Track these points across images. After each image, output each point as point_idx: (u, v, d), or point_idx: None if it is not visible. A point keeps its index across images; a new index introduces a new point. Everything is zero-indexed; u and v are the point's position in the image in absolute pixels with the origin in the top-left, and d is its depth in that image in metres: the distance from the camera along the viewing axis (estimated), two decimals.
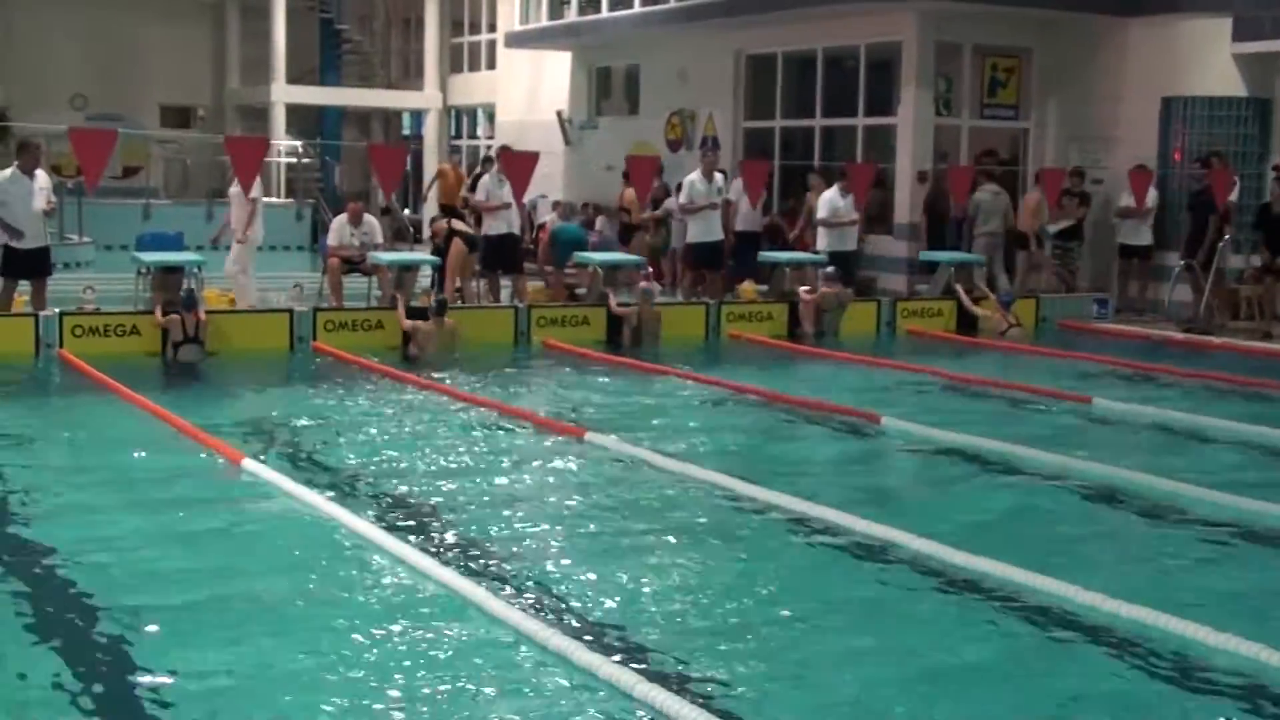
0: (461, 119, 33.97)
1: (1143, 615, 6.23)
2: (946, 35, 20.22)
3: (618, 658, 5.63)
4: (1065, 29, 20.34)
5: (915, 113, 20.15)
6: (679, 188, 18.78)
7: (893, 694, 5.52)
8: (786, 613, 6.45)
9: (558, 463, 9.38)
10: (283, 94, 31.88)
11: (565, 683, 5.46)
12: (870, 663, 5.87)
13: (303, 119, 32.93)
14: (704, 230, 17.78)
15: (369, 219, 16.91)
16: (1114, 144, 19.86)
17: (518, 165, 17.16)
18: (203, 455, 9.24)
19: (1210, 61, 19.36)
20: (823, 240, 18.07)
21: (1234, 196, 17.68)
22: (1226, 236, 17.33)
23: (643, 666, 5.57)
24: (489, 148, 29.41)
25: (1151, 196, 18.50)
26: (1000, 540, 7.60)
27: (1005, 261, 19.56)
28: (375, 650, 5.78)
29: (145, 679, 5.43)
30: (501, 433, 10.36)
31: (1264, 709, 5.37)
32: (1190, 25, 19.53)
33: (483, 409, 11.15)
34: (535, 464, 9.36)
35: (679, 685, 5.40)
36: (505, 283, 17.39)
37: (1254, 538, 7.85)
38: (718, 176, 18.03)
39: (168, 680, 5.40)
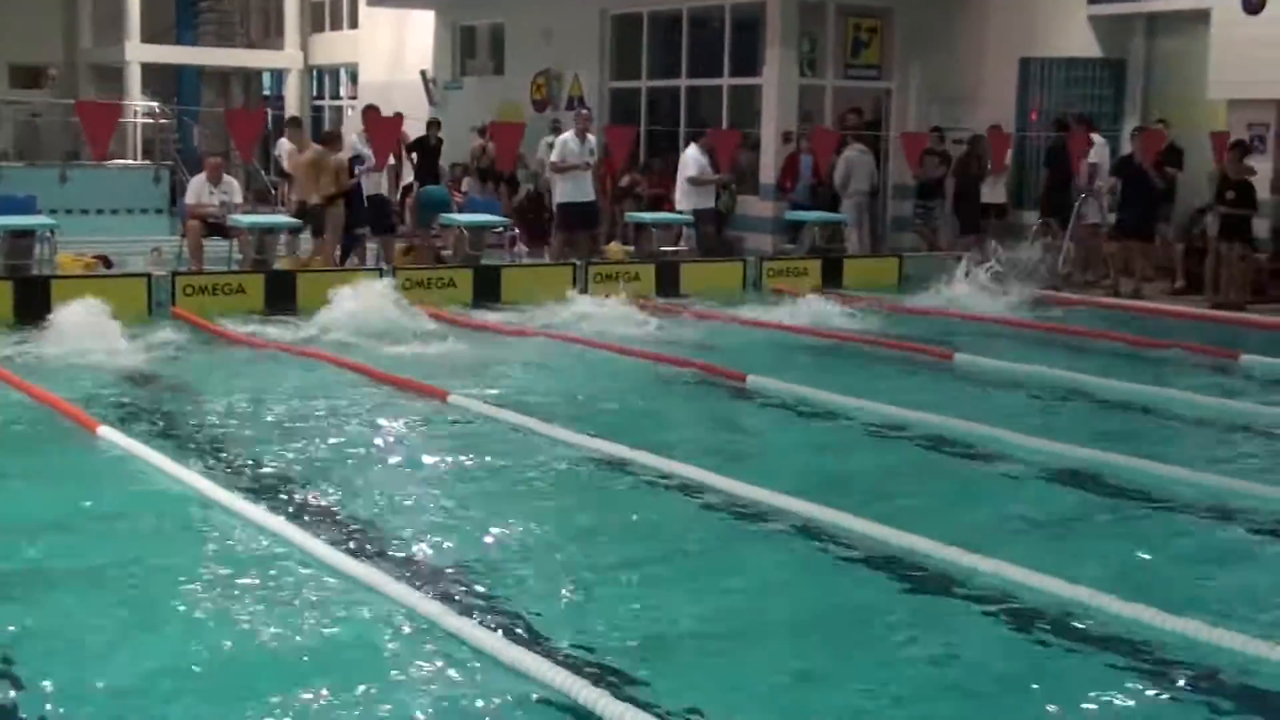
0: (323, 79, 33.50)
1: (949, 552, 6.52)
2: None
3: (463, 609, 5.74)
4: None
5: (780, 73, 20.27)
6: (550, 147, 18.72)
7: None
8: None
9: (419, 423, 9.31)
10: (138, 53, 31.04)
11: (408, 630, 5.56)
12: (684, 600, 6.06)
13: (159, 79, 32.21)
14: (576, 190, 17.74)
15: (229, 178, 16.64)
16: (974, 104, 20.17)
17: (382, 127, 16.97)
18: (59, 422, 9.05)
19: (1066, 23, 19.72)
20: (688, 200, 18.15)
21: (1094, 158, 18.02)
22: (1085, 194, 17.69)
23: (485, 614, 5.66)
24: (351, 108, 29.18)
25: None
26: (836, 488, 7.73)
27: (871, 223, 19.86)
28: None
29: None
30: (364, 394, 10.25)
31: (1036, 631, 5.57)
32: None
33: (347, 370, 11.04)
34: (397, 424, 9.27)
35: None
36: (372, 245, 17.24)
37: (1074, 480, 8.19)
38: (590, 137, 18.00)
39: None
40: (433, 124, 21.38)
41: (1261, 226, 16.58)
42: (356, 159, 16.89)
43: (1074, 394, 10.89)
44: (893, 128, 21.00)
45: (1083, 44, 19.72)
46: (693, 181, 18.11)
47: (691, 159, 18.20)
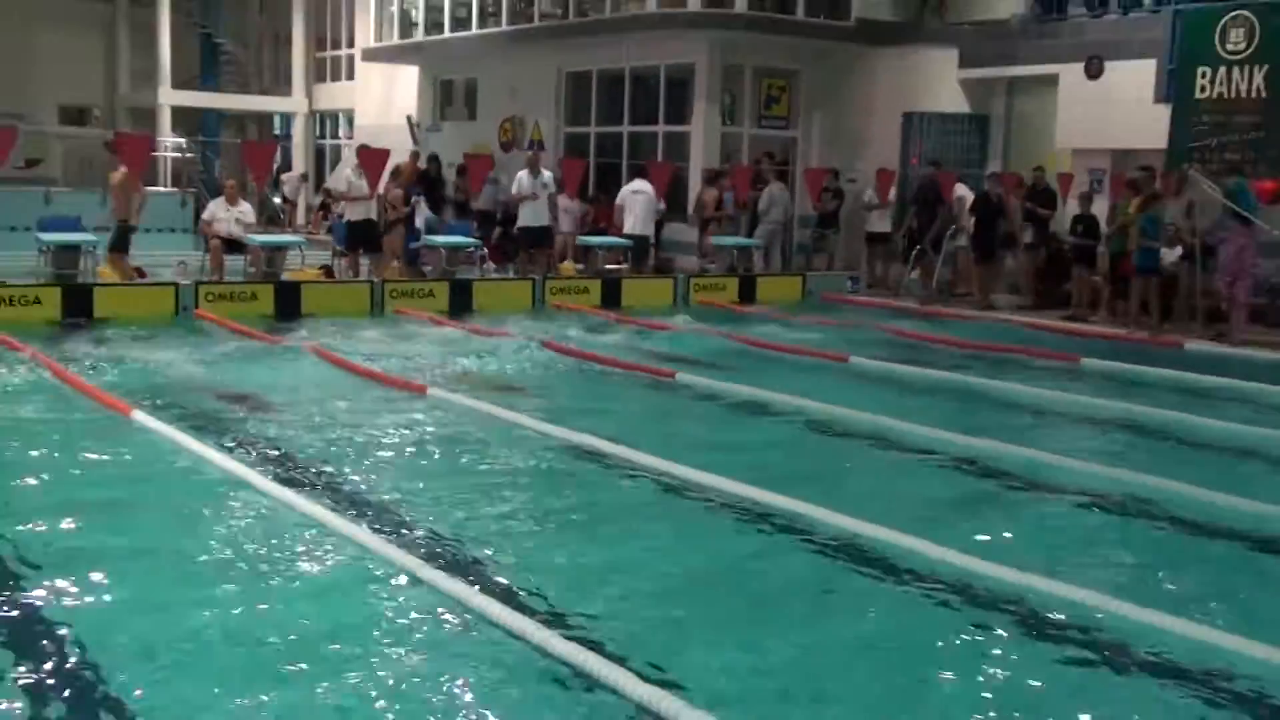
0: (325, 121, 33.26)
1: (848, 522, 6.60)
2: (731, 59, 20.41)
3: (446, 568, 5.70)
4: (826, 56, 20.69)
5: (705, 122, 20.33)
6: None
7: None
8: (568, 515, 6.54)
9: (404, 414, 9.24)
10: (168, 97, 30.98)
11: (414, 594, 5.49)
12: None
13: (187, 120, 31.94)
14: (532, 216, 17.73)
15: (243, 201, 16.57)
16: (865, 150, 20.31)
17: (373, 161, 16.89)
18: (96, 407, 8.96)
19: (941, 84, 19.89)
20: (627, 224, 18.17)
21: (960, 193, 18.15)
22: (954, 226, 17.82)
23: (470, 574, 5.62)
24: (346, 146, 29.04)
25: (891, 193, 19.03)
26: (750, 468, 7.72)
27: (782, 247, 19.94)
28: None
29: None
30: (354, 388, 10.19)
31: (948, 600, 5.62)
32: (925, 54, 20.03)
33: (340, 369, 10.98)
34: (385, 416, 9.16)
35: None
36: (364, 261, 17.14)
37: (958, 462, 8.26)
38: (543, 172, 17.96)
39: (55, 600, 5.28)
40: (433, 160, 21.23)
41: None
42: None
43: (947, 391, 10.98)
44: (798, 168, 21.10)
45: (954, 101, 19.90)
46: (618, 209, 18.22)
47: (624, 190, 18.29)
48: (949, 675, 4.84)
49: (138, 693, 4.44)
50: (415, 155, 20.87)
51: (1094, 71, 17.77)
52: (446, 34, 24.82)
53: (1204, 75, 16.48)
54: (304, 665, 4.70)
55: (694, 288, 17.11)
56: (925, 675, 4.85)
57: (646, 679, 4.49)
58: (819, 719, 4.54)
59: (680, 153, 20.86)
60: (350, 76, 30.72)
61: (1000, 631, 5.29)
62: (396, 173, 18.46)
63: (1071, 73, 17.98)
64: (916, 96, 20.08)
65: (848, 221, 20.10)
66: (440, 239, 17.35)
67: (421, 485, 7.30)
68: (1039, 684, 4.80)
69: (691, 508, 7.07)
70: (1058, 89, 18.23)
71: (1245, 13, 16.19)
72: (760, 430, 9.29)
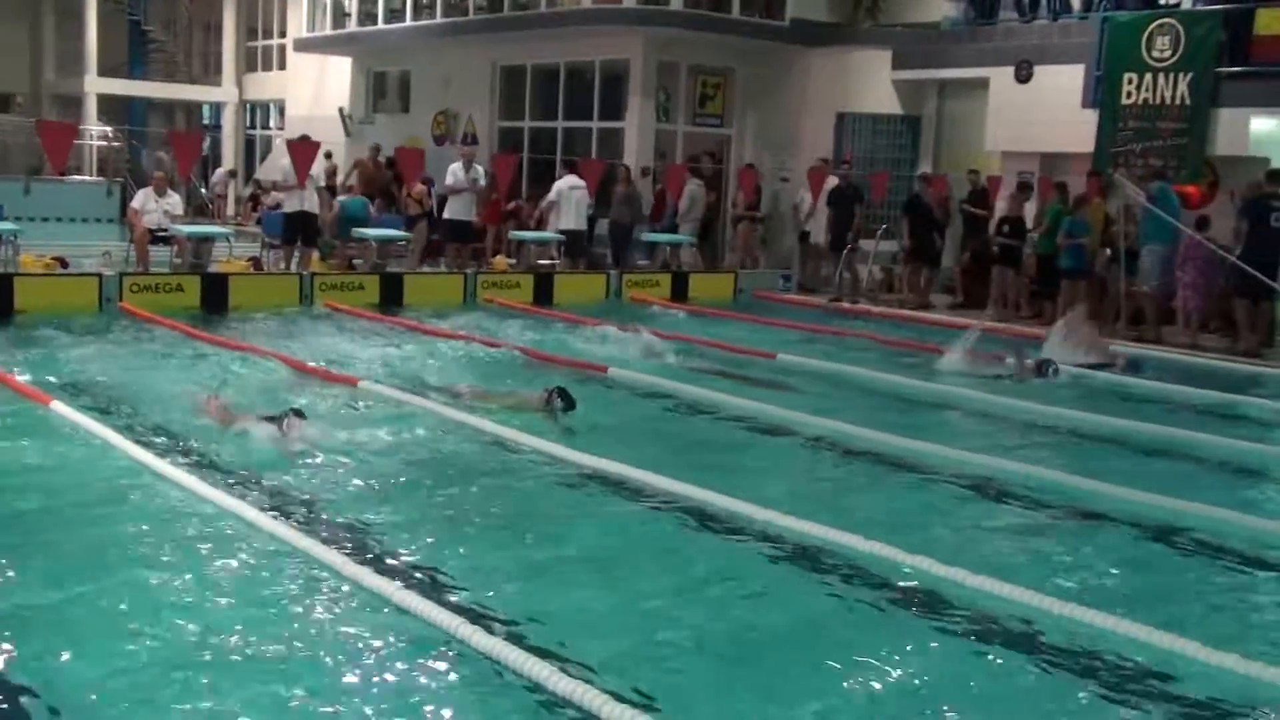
0: (255, 112, 32.92)
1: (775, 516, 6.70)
2: (666, 56, 20.48)
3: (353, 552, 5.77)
4: (761, 55, 20.82)
5: (640, 119, 20.39)
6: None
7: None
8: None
9: (334, 406, 9.19)
10: (94, 85, 30.52)
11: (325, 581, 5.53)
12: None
13: (113, 108, 31.50)
14: (460, 210, 17.69)
15: (171, 191, 16.37)
16: (799, 149, 20.48)
17: (303, 153, 16.75)
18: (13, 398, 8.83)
19: (874, 85, 20.11)
20: (562, 220, 18.14)
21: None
22: (884, 226, 18.00)
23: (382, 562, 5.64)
24: (279, 137, 28.79)
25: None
26: (674, 460, 7.86)
27: (714, 244, 20.05)
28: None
29: None
30: (284, 381, 10.12)
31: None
32: (859, 55, 20.24)
33: (271, 360, 10.89)
34: (315, 407, 9.11)
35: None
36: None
37: (877, 459, 8.45)
38: (475, 166, 17.93)
39: None
40: (374, 149, 21.03)
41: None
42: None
43: (868, 391, 11.13)
44: (732, 167, 21.23)
45: (887, 103, 20.13)
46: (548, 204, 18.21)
47: (556, 186, 18.29)
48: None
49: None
50: (376, 150, 20.72)
51: (1024, 76, 18.06)
52: (380, 25, 24.66)
53: (1130, 81, 16.82)
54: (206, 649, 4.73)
55: (627, 284, 17.16)
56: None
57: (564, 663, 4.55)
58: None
59: (615, 149, 20.91)
60: (281, 66, 30.41)
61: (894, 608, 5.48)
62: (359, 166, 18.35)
63: (1002, 76, 18.25)
64: (850, 97, 20.29)
65: (781, 220, 20.26)
66: (371, 232, 17.26)
67: (342, 475, 7.29)
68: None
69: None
70: (988, 92, 18.51)
71: (1171, 20, 16.55)
72: (697, 428, 9.35)
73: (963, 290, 17.56)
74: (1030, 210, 17.14)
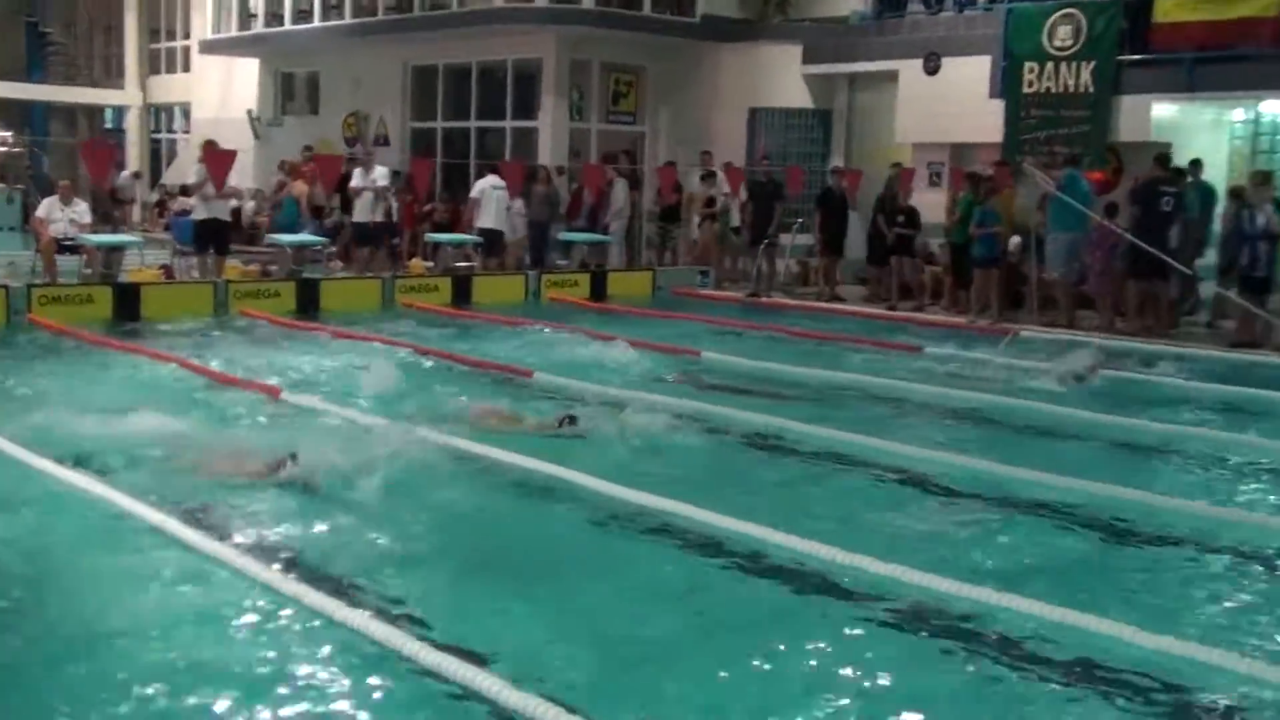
0: (160, 115, 32.40)
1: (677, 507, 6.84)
2: (579, 54, 20.56)
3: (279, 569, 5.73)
4: (672, 51, 20.97)
5: (553, 117, 20.45)
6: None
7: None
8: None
9: (255, 417, 9.11)
10: None
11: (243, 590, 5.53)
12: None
13: (11, 113, 30.84)
14: (362, 212, 17.66)
15: (78, 200, 16.13)
16: (712, 145, 20.62)
17: (218, 159, 16.60)
18: None
19: (785, 80, 20.36)
20: (482, 219, 18.15)
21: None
22: (800, 220, 18.22)
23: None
24: (185, 141, 28.42)
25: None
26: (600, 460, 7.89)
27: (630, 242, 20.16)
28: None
29: None
30: (202, 391, 10.03)
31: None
32: (769, 50, 20.46)
33: (186, 370, 10.78)
34: (234, 418, 9.02)
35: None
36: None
37: (787, 450, 8.59)
38: (377, 167, 17.87)
39: None
40: (306, 152, 20.86)
41: (936, 244, 17.38)
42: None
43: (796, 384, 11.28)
44: (646, 164, 21.36)
45: (799, 97, 20.39)
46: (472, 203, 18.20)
47: (478, 186, 18.30)
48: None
49: None
50: (309, 153, 20.46)
51: (932, 68, 18.39)
52: (287, 26, 24.44)
53: (1032, 71, 17.21)
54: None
55: (546, 284, 17.20)
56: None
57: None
58: None
59: (529, 148, 20.94)
60: (186, 69, 29.97)
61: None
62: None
63: (910, 69, 18.58)
64: (761, 92, 20.51)
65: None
66: (286, 238, 17.14)
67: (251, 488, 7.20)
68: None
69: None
70: (897, 84, 18.82)
71: (1073, 10, 16.95)
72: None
73: (877, 282, 17.80)
74: (941, 200, 17.51)
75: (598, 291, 17.28)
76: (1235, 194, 14.36)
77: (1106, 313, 14.84)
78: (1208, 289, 14.67)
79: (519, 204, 18.87)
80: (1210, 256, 14.78)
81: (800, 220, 18.07)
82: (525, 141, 21.15)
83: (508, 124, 21.33)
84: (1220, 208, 14.85)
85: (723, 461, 8.43)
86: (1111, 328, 14.49)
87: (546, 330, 13.84)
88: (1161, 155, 14.82)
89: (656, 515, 6.78)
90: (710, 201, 19.02)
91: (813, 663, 5.01)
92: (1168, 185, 14.23)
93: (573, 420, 8.70)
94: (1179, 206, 14.12)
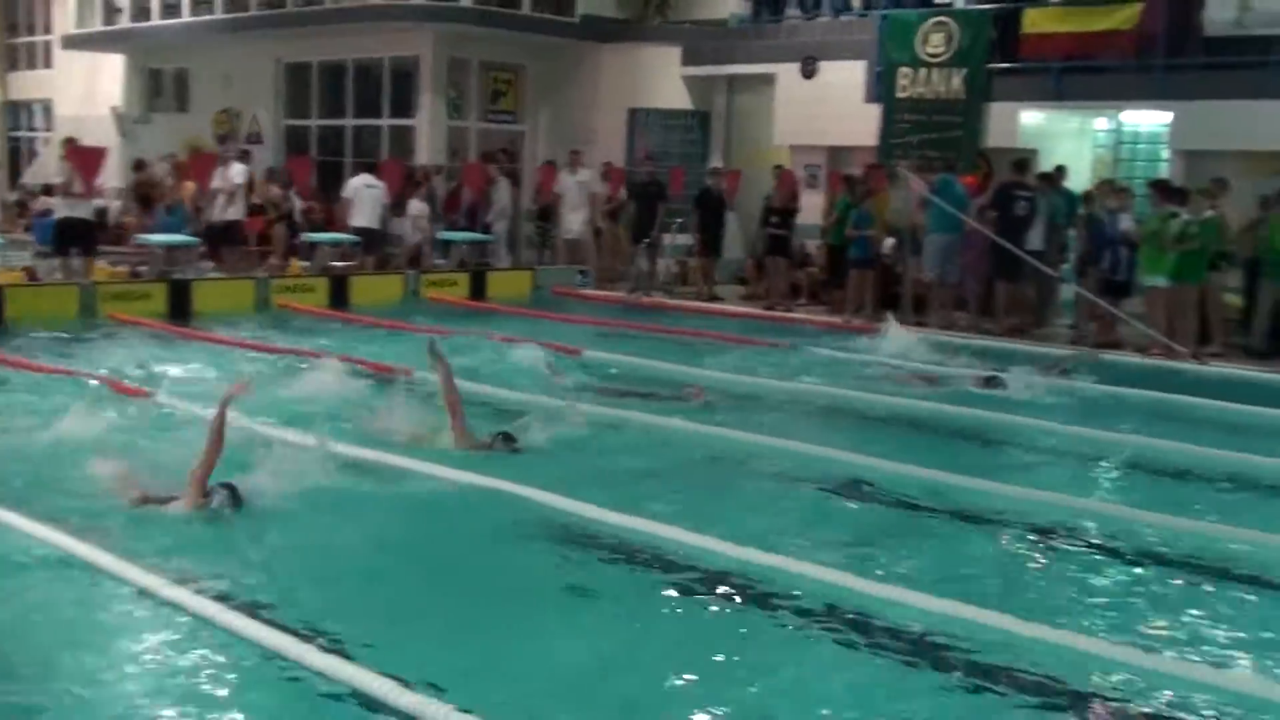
0: (19, 113, 31.38)
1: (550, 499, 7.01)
2: (457, 52, 20.48)
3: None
4: (552, 51, 21.01)
5: (431, 116, 20.34)
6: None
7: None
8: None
9: (127, 419, 8.86)
10: None
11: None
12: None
13: None
14: (218, 212, 17.40)
15: None
16: (592, 145, 20.71)
17: (87, 157, 16.18)
18: None
19: (665, 81, 20.51)
20: (356, 218, 17.94)
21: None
22: (679, 220, 18.36)
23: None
24: (46, 139, 27.63)
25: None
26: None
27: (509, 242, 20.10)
28: None
29: None
30: (72, 395, 9.73)
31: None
32: (649, 51, 20.60)
33: (56, 375, 10.48)
34: (106, 421, 8.68)
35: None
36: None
37: (669, 444, 8.74)
38: (234, 164, 17.61)
39: None
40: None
41: (813, 245, 17.69)
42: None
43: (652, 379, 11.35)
44: (525, 163, 21.35)
45: (678, 98, 20.56)
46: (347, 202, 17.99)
47: (351, 185, 18.12)
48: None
49: None
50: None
51: (809, 71, 18.70)
52: (155, 21, 23.90)
53: (906, 77, 17.61)
54: None
55: (425, 284, 17.09)
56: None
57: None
58: None
59: (406, 147, 20.79)
60: (48, 64, 29.11)
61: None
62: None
63: (788, 72, 18.87)
64: (641, 93, 20.64)
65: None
66: (156, 238, 16.77)
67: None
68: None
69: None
70: (775, 87, 19.09)
71: (945, 19, 17.39)
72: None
73: (755, 282, 18.05)
74: (818, 202, 17.82)
75: (477, 291, 17.23)
76: (1088, 199, 14.93)
77: (974, 313, 15.28)
78: (1068, 291, 15.16)
79: (420, 206, 18.69)
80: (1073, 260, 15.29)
81: (680, 220, 18.23)
82: (403, 140, 20.98)
83: (385, 122, 21.15)
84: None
85: (620, 463, 8.40)
86: (980, 328, 14.91)
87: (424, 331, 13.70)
88: (1019, 161, 15.33)
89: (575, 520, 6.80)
90: (610, 200, 19.08)
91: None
92: (1023, 190, 14.72)
93: (509, 439, 8.16)
94: (1034, 210, 14.60)
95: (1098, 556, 6.60)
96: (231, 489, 6.58)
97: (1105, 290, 14.28)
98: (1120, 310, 14.06)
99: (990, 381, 11.02)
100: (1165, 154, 16.48)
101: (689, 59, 20.28)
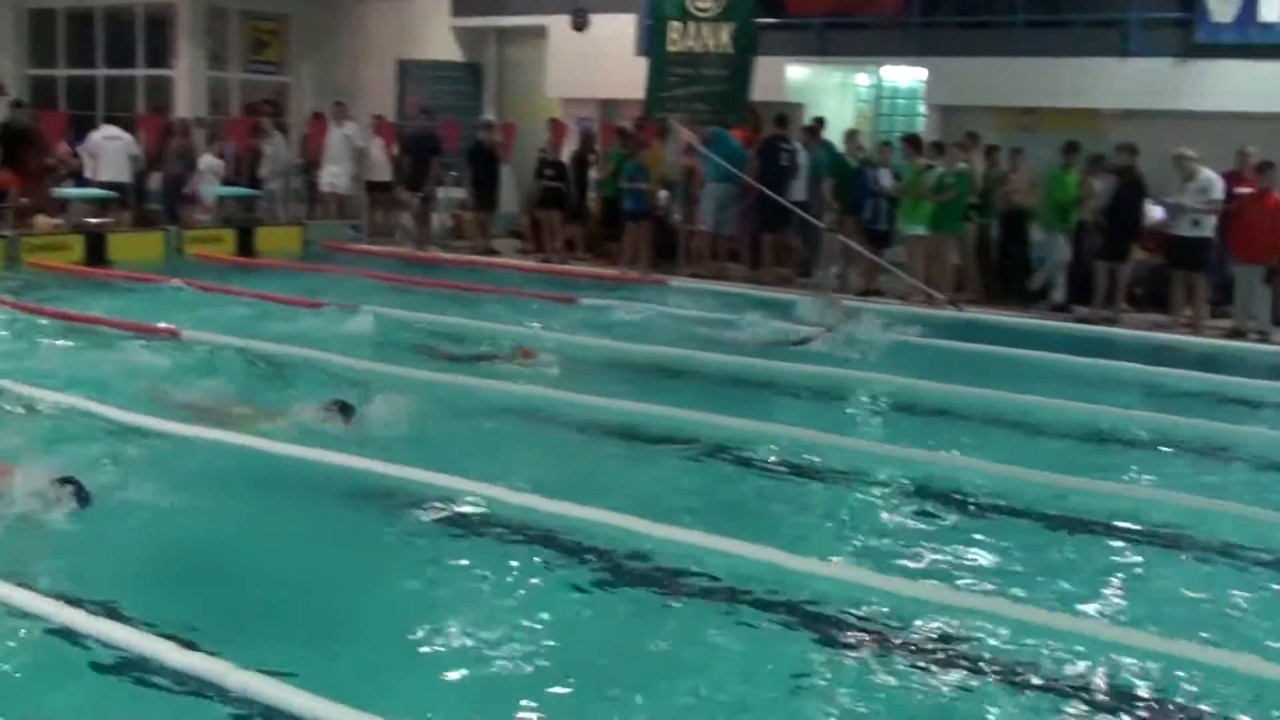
0: None
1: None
2: (216, 0, 19.80)
3: None
4: (317, 0, 20.51)
5: (190, 66, 19.63)
6: None
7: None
8: None
9: None
10: None
11: None
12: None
13: None
14: None
15: None
16: (360, 97, 20.33)
17: None
18: None
19: (434, 32, 20.30)
20: (100, 172, 17.19)
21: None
22: (454, 174, 18.26)
23: None
24: None
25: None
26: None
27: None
28: None
29: None
30: None
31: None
32: (418, 2, 20.35)
33: None
34: None
35: None
36: None
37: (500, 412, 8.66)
38: None
39: None
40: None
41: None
42: None
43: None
44: (292, 116, 20.83)
45: (448, 50, 20.37)
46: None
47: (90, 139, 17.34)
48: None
49: None
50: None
51: (579, 24, 18.78)
52: None
53: (676, 30, 17.86)
54: None
55: (188, 240, 16.54)
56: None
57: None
58: None
59: (164, 99, 20.01)
60: None
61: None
62: None
63: (559, 24, 18.90)
64: (410, 44, 20.36)
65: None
66: None
67: None
68: None
69: None
70: (547, 40, 19.13)
71: None
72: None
73: (533, 236, 18.13)
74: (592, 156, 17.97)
75: (245, 247, 16.78)
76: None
77: (746, 263, 15.78)
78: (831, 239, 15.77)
79: (212, 161, 18.03)
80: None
81: (454, 174, 18.14)
82: (160, 91, 20.18)
83: (140, 73, 20.28)
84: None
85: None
86: (752, 279, 15.40)
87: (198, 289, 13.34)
88: (779, 116, 15.83)
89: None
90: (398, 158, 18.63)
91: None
92: (786, 143, 15.23)
93: (345, 408, 7.62)
94: (795, 162, 15.13)
95: (861, 493, 7.06)
96: (78, 485, 5.93)
97: (866, 239, 14.95)
98: (883, 259, 14.75)
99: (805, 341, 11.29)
100: (922, 109, 17.27)
101: (458, 10, 20.11)
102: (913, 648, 4.93)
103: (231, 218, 17.77)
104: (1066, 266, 14.09)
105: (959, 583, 5.67)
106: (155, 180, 18.75)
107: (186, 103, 19.55)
